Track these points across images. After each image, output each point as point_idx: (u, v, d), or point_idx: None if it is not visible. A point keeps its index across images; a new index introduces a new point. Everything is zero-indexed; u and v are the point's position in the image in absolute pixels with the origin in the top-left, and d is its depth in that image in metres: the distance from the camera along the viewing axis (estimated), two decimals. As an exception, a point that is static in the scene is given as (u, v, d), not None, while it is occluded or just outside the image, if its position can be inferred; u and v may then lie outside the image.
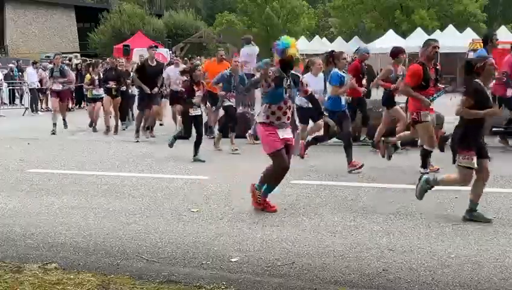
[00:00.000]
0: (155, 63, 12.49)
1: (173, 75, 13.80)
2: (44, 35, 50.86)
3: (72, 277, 4.38)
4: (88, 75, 14.57)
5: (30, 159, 10.09)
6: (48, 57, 24.57)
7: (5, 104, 20.91)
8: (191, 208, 6.42)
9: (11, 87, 22.62)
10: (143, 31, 43.27)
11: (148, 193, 7.29)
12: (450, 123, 11.90)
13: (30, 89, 20.81)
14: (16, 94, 23.19)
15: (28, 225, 5.87)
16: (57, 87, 13.95)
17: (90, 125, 14.46)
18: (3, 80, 22.06)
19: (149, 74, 12.18)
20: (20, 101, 22.73)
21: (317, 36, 42.85)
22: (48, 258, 4.86)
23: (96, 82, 14.10)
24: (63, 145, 11.78)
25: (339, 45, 37.78)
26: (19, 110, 20.87)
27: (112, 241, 5.32)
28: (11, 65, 25.28)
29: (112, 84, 13.67)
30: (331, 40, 41.32)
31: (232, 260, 4.77)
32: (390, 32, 34.52)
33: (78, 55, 25.33)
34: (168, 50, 31.34)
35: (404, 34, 35.64)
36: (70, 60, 21.61)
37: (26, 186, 7.76)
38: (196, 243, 5.21)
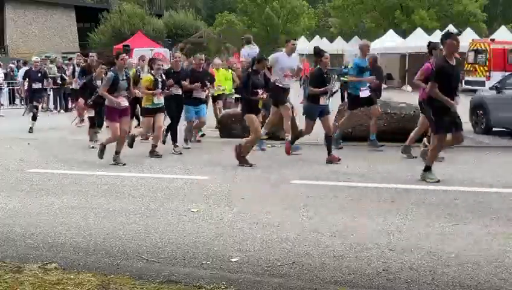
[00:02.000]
0: (454, 61, 7.68)
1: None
2: (44, 35, 50.83)
3: (72, 277, 4.38)
4: (148, 77, 10.16)
5: (30, 159, 10.10)
6: (48, 57, 24.52)
7: (2, 104, 20.88)
8: (191, 208, 6.41)
9: (11, 87, 22.62)
10: (143, 31, 43.27)
11: (148, 193, 7.29)
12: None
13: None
14: (16, 94, 23.20)
15: (28, 225, 5.87)
16: (125, 102, 9.39)
17: (131, 145, 10.09)
18: (3, 80, 22.07)
19: (450, 77, 7.60)
20: (20, 101, 22.74)
21: (317, 36, 42.90)
22: (48, 258, 4.86)
23: (160, 85, 10.06)
24: (63, 145, 11.77)
25: (338, 45, 37.93)
26: (18, 110, 20.86)
27: (111, 241, 5.32)
28: (11, 65, 25.29)
29: (262, 95, 9.15)
30: (331, 40, 41.37)
31: (232, 260, 4.77)
32: (390, 32, 34.55)
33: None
34: (168, 50, 31.34)
35: (404, 34, 35.64)
36: (70, 59, 21.59)
37: (26, 186, 7.76)
38: (196, 243, 5.21)
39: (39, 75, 15.23)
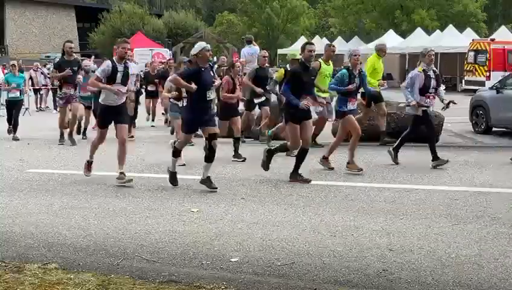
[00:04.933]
0: None
1: None
2: (44, 35, 50.87)
3: (72, 277, 4.39)
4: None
5: (30, 159, 10.09)
6: (48, 56, 24.50)
7: (3, 105, 20.86)
8: (191, 208, 6.42)
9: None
10: (143, 31, 43.31)
11: (148, 193, 7.29)
12: (453, 123, 11.95)
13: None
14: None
15: (28, 224, 5.87)
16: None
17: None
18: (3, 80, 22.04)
19: None
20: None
21: (317, 36, 42.91)
22: (48, 258, 4.87)
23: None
24: (63, 145, 11.76)
25: (338, 45, 37.93)
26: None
27: (111, 241, 5.32)
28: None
29: None
30: (331, 40, 41.35)
31: (232, 260, 4.77)
32: (390, 32, 34.56)
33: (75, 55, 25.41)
34: (168, 50, 31.36)
35: (404, 34, 35.66)
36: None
37: (26, 186, 7.76)
38: (196, 243, 5.21)
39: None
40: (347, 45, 36.53)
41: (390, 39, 32.68)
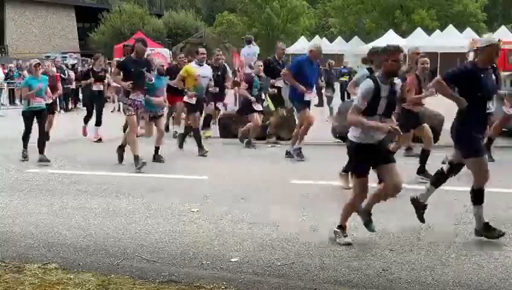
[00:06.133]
0: None
1: None
2: (44, 35, 50.83)
3: (72, 277, 4.39)
4: None
5: (30, 159, 10.08)
6: (48, 57, 24.52)
7: (3, 105, 20.89)
8: (191, 208, 6.42)
9: (11, 87, 22.60)
10: (143, 31, 43.30)
11: (148, 193, 7.29)
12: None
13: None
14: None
15: (28, 224, 5.88)
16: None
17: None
18: (3, 80, 22.09)
19: None
20: (20, 101, 22.71)
21: (317, 36, 42.95)
22: (48, 258, 4.87)
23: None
24: (62, 145, 11.77)
25: (338, 45, 37.98)
26: (19, 110, 20.84)
27: (112, 241, 5.32)
28: (11, 65, 25.29)
29: None
30: (331, 40, 41.43)
31: (232, 260, 4.77)
32: (390, 32, 34.61)
33: (74, 55, 25.44)
34: (168, 50, 31.37)
35: (404, 34, 35.68)
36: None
37: (26, 186, 7.76)
38: (196, 243, 5.21)
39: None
40: (347, 45, 36.65)
41: (390, 39, 32.71)
